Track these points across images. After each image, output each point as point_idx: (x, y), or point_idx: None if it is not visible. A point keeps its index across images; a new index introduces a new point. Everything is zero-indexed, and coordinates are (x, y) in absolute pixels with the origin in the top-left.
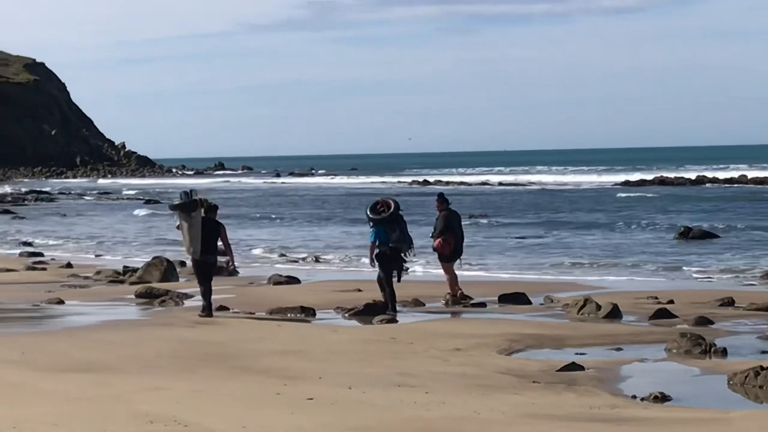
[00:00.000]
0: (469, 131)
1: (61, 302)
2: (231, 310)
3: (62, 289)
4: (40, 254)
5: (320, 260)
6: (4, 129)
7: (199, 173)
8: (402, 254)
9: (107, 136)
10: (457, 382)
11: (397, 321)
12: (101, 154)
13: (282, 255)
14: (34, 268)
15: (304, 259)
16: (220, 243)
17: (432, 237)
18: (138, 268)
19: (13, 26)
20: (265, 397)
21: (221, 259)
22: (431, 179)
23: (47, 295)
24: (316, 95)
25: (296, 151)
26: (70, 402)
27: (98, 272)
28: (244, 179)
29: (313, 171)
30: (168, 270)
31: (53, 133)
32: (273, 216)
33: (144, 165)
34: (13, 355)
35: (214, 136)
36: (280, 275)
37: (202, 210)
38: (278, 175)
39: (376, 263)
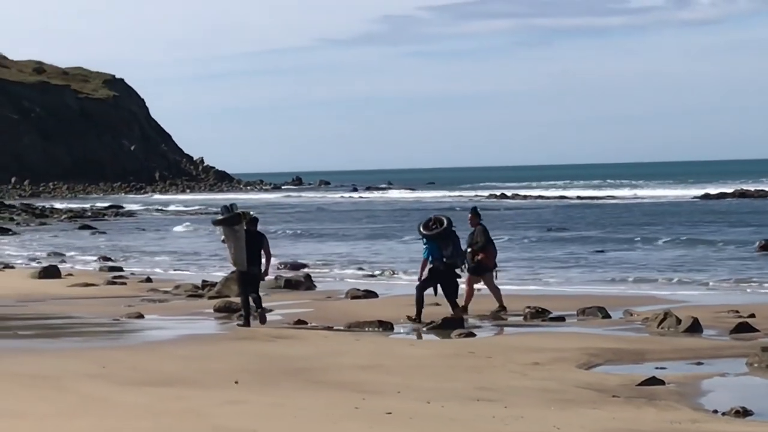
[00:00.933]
0: (547, 144)
1: (140, 316)
2: (309, 324)
3: (142, 303)
4: (120, 269)
5: (397, 274)
6: (84, 145)
7: (276, 188)
8: (456, 270)
9: (186, 152)
10: (536, 397)
11: (475, 335)
12: (180, 169)
13: (360, 269)
14: (113, 283)
15: (381, 273)
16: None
17: (470, 250)
18: (216, 283)
19: (92, 43)
20: (343, 411)
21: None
22: (509, 193)
23: (127, 309)
24: (394, 109)
25: (374, 165)
26: (149, 415)
27: (177, 287)
28: (320, 194)
29: (391, 185)
30: None
31: (132, 148)
32: (346, 231)
33: (222, 180)
34: (94, 369)
35: (292, 151)
36: (358, 289)
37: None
38: (355, 189)
39: (430, 279)
